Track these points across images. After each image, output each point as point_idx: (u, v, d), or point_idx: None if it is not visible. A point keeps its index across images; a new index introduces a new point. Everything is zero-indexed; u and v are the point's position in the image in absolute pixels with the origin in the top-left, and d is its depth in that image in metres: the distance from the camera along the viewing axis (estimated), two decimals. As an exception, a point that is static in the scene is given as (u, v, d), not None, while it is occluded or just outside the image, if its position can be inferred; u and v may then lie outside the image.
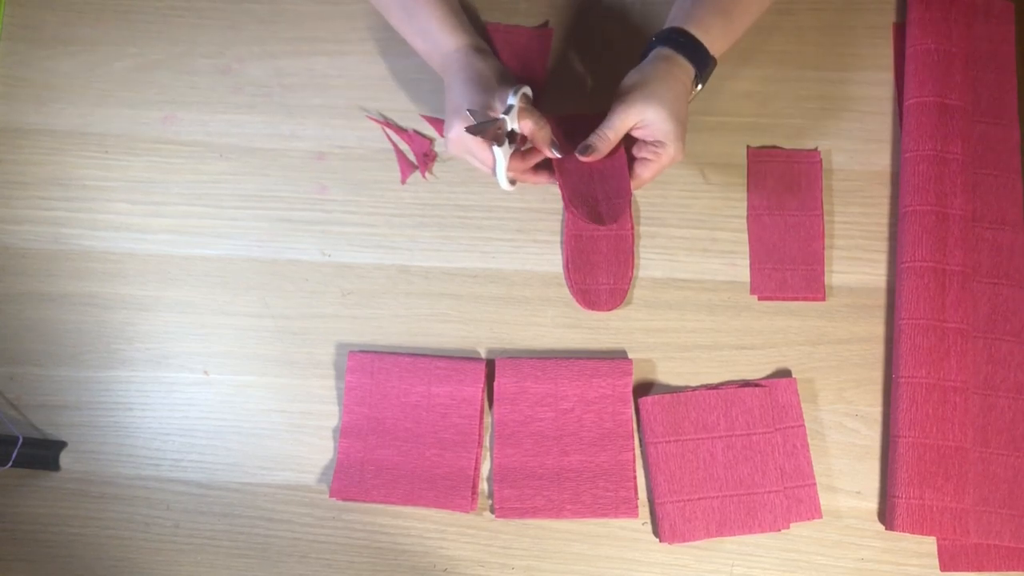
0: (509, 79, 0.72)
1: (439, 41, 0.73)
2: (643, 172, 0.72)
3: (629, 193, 0.72)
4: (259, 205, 0.80)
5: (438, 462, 0.74)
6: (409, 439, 0.75)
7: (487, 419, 0.76)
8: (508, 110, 0.68)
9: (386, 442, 0.75)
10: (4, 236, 0.80)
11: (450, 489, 0.73)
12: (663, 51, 0.71)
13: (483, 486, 0.75)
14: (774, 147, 0.79)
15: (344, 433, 0.75)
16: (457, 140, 0.69)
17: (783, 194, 0.78)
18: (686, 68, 0.71)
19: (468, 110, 0.68)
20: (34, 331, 0.78)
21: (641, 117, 0.69)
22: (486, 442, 0.75)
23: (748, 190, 0.79)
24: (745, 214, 0.79)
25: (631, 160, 0.73)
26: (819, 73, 0.81)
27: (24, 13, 0.84)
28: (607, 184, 0.73)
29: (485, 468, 0.75)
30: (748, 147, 0.79)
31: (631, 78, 0.71)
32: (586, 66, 0.82)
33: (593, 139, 0.71)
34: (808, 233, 0.78)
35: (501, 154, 0.69)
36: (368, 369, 0.76)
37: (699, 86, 0.73)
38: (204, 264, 0.79)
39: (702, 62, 0.72)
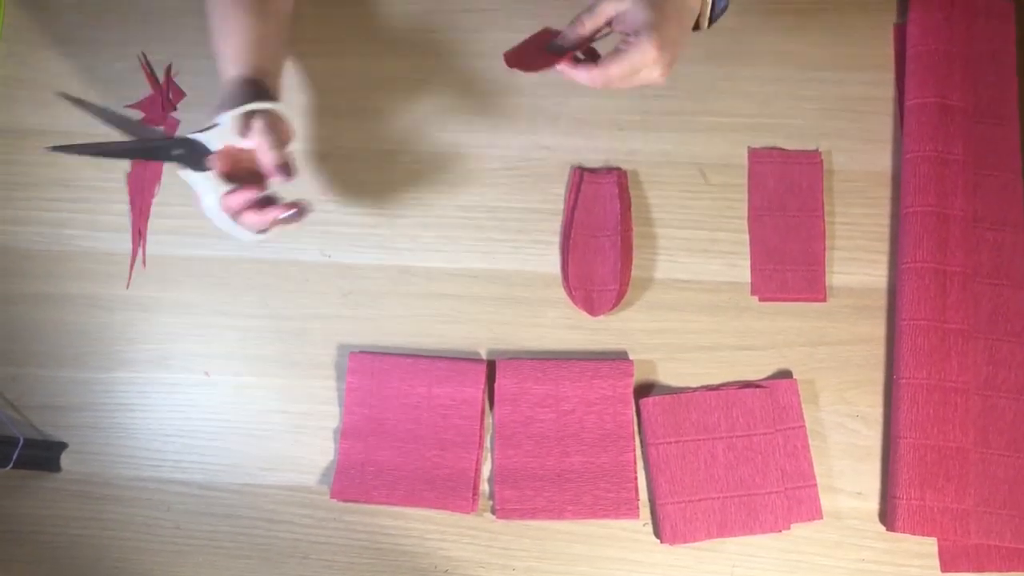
0: (262, 95, 0.66)
1: (226, 69, 0.69)
2: (609, 64, 0.63)
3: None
4: (259, 206, 0.80)
5: (439, 463, 0.74)
6: (410, 440, 0.75)
7: (488, 420, 0.76)
8: (207, 128, 0.61)
9: (387, 443, 0.75)
10: (5, 237, 0.80)
11: (451, 490, 0.73)
12: None
13: (484, 487, 0.75)
14: (774, 148, 0.79)
15: (345, 434, 0.75)
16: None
17: (784, 195, 0.78)
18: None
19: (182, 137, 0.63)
20: (35, 332, 0.78)
21: (621, 5, 0.63)
22: (487, 443, 0.75)
23: (749, 191, 0.79)
24: (745, 214, 0.79)
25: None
26: (819, 73, 0.81)
27: (24, 13, 0.84)
28: None
29: (486, 469, 0.75)
30: (749, 148, 0.79)
31: None
32: None
33: (567, 29, 0.65)
34: (809, 234, 0.78)
35: (199, 180, 0.62)
36: (369, 370, 0.76)
37: (706, 24, 0.67)
38: (204, 265, 0.79)
39: None
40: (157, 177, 0.80)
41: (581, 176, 0.78)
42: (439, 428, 0.75)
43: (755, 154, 0.79)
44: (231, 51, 0.68)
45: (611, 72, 0.63)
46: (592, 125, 0.80)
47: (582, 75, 0.65)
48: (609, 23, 0.65)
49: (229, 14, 0.69)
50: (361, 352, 0.76)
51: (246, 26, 0.69)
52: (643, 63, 0.62)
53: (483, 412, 0.75)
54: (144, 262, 0.79)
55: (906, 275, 0.75)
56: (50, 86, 0.82)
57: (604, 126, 0.80)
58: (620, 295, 0.76)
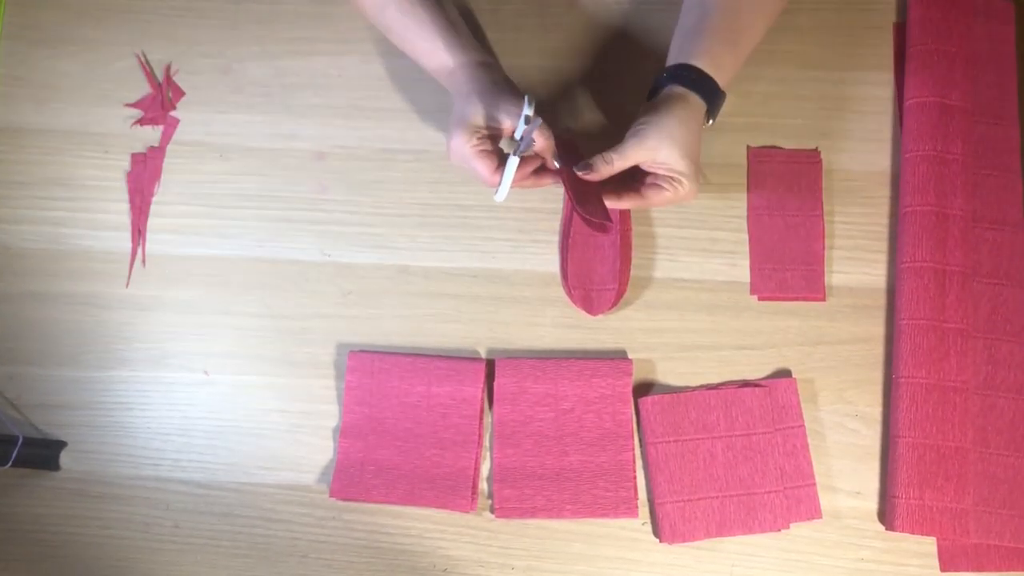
0: (514, 91, 0.72)
1: (444, 59, 0.73)
2: (653, 196, 0.71)
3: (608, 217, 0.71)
4: (259, 205, 0.80)
5: (438, 462, 0.74)
6: (409, 439, 0.75)
7: (487, 419, 0.76)
8: (527, 120, 0.68)
9: (386, 442, 0.75)
10: (4, 236, 0.80)
11: (450, 489, 0.73)
12: (676, 89, 0.70)
13: (483, 486, 0.75)
14: (774, 147, 0.79)
15: (344, 433, 0.75)
16: (457, 150, 0.70)
17: (783, 194, 0.78)
18: (699, 105, 0.71)
19: (471, 123, 0.69)
20: (34, 331, 0.78)
21: (653, 156, 0.69)
22: (486, 442, 0.75)
23: (748, 190, 0.79)
24: (745, 214, 0.79)
25: (641, 183, 0.72)
26: (819, 73, 0.81)
27: (24, 13, 0.84)
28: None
29: (485, 468, 0.75)
30: (748, 147, 0.79)
31: (647, 116, 0.70)
32: (587, 97, 0.82)
33: (597, 159, 0.69)
34: (808, 233, 0.78)
35: (514, 164, 0.69)
36: (368, 369, 0.76)
37: (710, 121, 0.73)
38: (204, 264, 0.79)
39: (713, 97, 0.71)
40: (156, 175, 0.80)
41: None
42: (438, 427, 0.75)
43: (755, 153, 0.79)
44: (441, 43, 0.73)
45: (653, 202, 0.72)
46: (592, 126, 0.80)
47: (626, 204, 0.73)
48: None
49: (422, 15, 0.74)
50: (360, 351, 0.76)
51: (444, 19, 0.74)
52: (682, 201, 0.72)
53: (482, 411, 0.75)
54: (144, 261, 0.79)
55: (905, 274, 0.75)
56: (50, 86, 0.83)
57: (604, 127, 0.80)
58: (619, 294, 0.76)
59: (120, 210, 0.80)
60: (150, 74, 0.82)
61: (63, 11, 0.84)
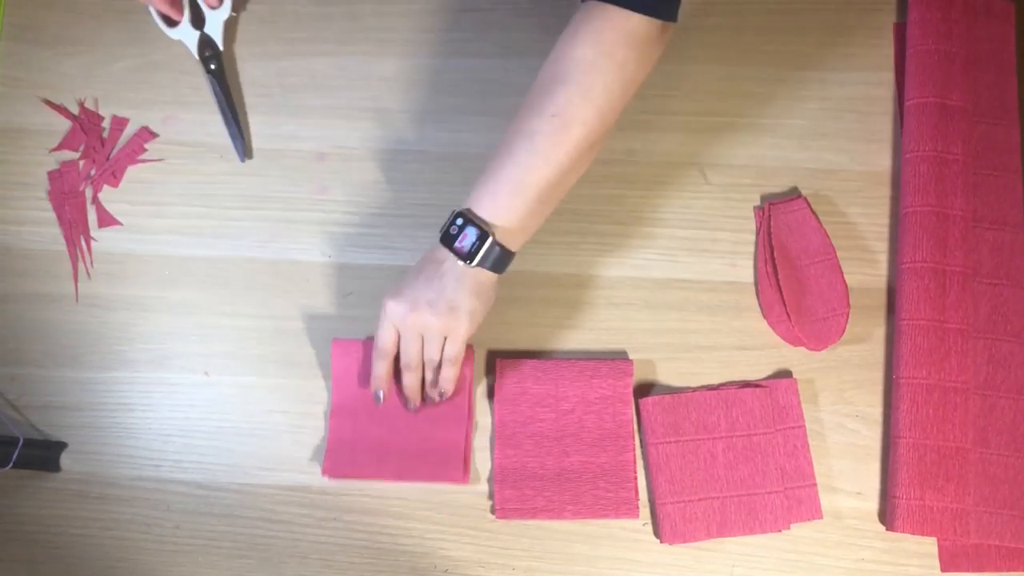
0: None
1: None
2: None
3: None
4: (259, 205, 0.80)
5: (429, 437, 0.74)
6: (400, 416, 0.75)
7: (476, 392, 0.76)
8: None
9: (376, 420, 0.75)
10: (5, 236, 0.80)
11: (442, 462, 0.73)
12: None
13: (484, 487, 0.75)
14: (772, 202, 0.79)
15: (334, 413, 0.75)
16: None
17: (788, 243, 0.78)
18: (435, 246, 0.69)
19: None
20: (35, 332, 0.78)
21: (382, 328, 0.70)
22: (487, 443, 0.75)
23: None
24: (745, 214, 0.79)
25: None
26: (819, 73, 0.81)
27: (24, 13, 0.84)
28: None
29: (486, 468, 0.75)
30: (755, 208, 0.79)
31: None
32: None
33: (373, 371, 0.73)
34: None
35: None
36: (355, 355, 0.76)
37: (438, 242, 0.69)
38: (204, 264, 0.79)
39: (448, 229, 0.68)
40: (75, 193, 0.80)
41: (769, 209, 0.78)
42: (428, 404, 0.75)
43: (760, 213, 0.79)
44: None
45: (378, 343, 0.71)
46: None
47: (447, 379, 0.72)
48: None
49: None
50: (344, 339, 0.76)
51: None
52: (390, 318, 0.69)
53: (471, 386, 0.75)
54: (88, 272, 0.79)
55: (906, 275, 0.75)
56: (50, 86, 0.82)
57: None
58: (847, 318, 0.76)
59: (120, 211, 0.80)
60: (65, 111, 0.82)
61: (63, 11, 0.84)
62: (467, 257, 0.67)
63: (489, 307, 0.71)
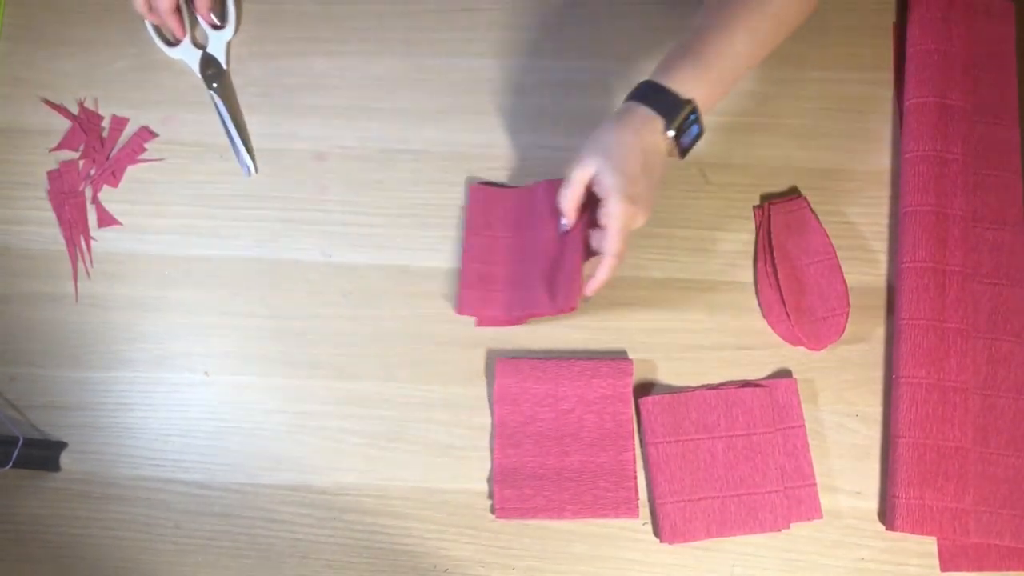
0: None
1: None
2: (607, 242, 0.67)
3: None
4: (259, 205, 0.80)
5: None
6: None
7: (488, 406, 0.76)
8: None
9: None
10: (5, 236, 0.80)
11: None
12: (624, 105, 0.68)
13: (484, 486, 0.75)
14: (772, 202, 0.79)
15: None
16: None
17: (788, 243, 0.78)
18: (646, 116, 0.67)
19: None
20: (35, 332, 0.78)
21: (588, 171, 0.67)
22: (486, 442, 0.75)
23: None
24: (745, 214, 0.79)
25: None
26: (819, 73, 0.81)
27: (24, 13, 0.84)
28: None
29: (485, 468, 0.75)
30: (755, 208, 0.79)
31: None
32: (588, 98, 0.82)
33: (560, 201, 0.70)
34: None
35: None
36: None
37: (671, 132, 0.67)
38: (204, 264, 0.79)
39: (670, 107, 0.67)
40: (75, 193, 0.80)
41: (768, 209, 0.78)
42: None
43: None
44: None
45: (615, 249, 0.67)
46: (593, 125, 0.80)
47: (604, 272, 0.69)
48: (589, 187, 0.69)
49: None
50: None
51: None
52: (625, 222, 0.67)
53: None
54: (88, 274, 0.79)
55: (905, 274, 0.75)
56: (50, 86, 0.82)
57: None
58: (847, 318, 0.76)
59: (120, 211, 0.80)
60: (65, 110, 0.82)
61: (63, 11, 0.84)
62: (684, 154, 0.69)
63: None
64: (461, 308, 0.76)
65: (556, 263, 0.73)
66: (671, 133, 0.67)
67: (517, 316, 0.76)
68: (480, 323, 0.77)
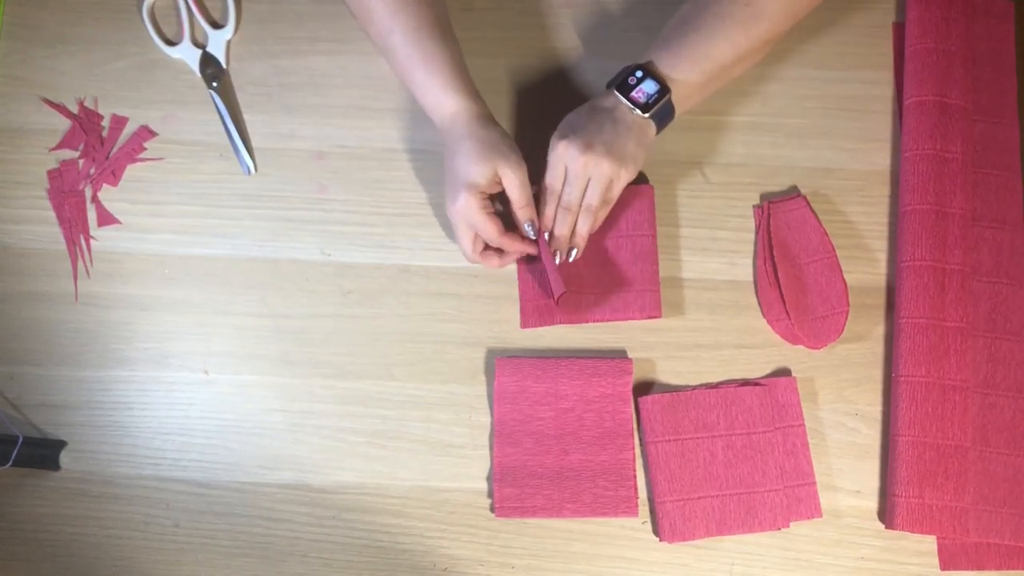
0: (513, 149, 0.71)
1: (446, 100, 0.72)
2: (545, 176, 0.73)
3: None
4: (258, 204, 0.80)
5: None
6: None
7: (488, 405, 0.76)
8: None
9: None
10: (5, 235, 0.80)
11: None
12: None
13: (483, 485, 0.75)
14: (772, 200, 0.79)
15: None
16: (463, 210, 0.70)
17: (788, 242, 0.78)
18: (602, 92, 0.73)
19: (481, 183, 0.70)
20: (34, 331, 0.78)
21: (554, 151, 0.71)
22: (486, 441, 0.75)
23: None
24: (744, 213, 0.79)
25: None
26: (819, 73, 0.81)
27: (24, 13, 0.84)
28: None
29: (485, 466, 0.75)
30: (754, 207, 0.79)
31: None
32: (587, 98, 0.82)
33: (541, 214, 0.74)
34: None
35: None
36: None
37: (613, 90, 0.72)
38: (204, 264, 0.79)
39: (618, 73, 0.72)
40: (75, 192, 0.80)
41: (768, 208, 0.78)
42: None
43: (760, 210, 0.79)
44: (439, 81, 0.72)
45: (548, 183, 0.72)
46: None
47: (582, 235, 0.73)
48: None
49: (431, 48, 0.72)
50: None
51: (454, 58, 0.73)
52: (561, 160, 0.71)
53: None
54: (88, 273, 0.79)
55: (905, 273, 0.75)
56: (50, 85, 0.82)
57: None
58: (846, 317, 0.76)
59: (119, 210, 0.80)
60: (64, 110, 0.82)
61: (63, 11, 0.84)
62: (644, 107, 0.71)
63: (640, 165, 0.73)
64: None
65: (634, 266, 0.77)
66: (613, 89, 0.72)
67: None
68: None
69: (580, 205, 0.72)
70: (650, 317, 0.76)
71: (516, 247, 0.72)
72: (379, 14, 0.72)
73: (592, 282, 0.77)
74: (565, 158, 0.70)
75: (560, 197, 0.72)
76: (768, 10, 0.71)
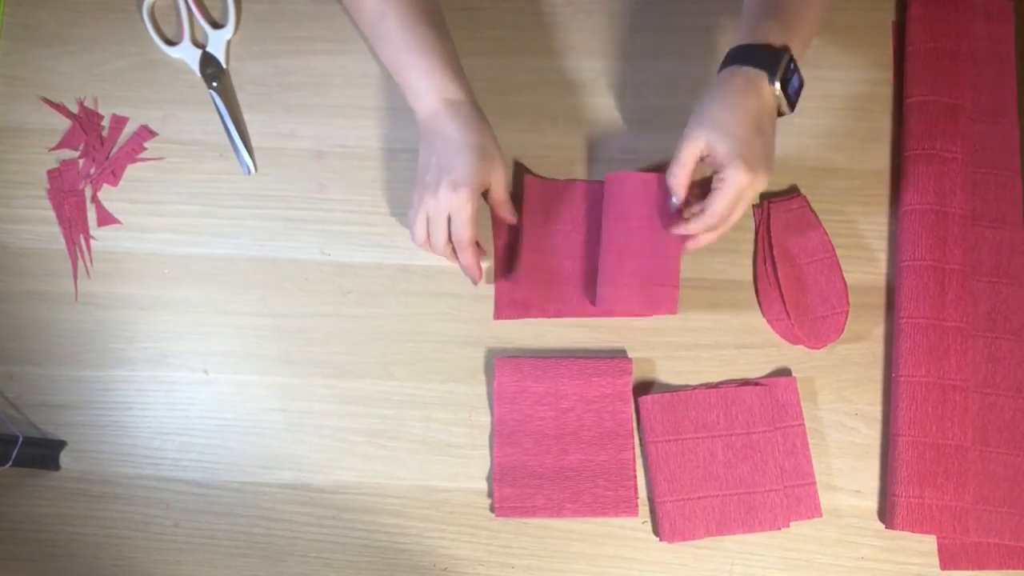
0: (497, 145, 0.71)
1: (439, 88, 0.70)
2: (712, 203, 0.66)
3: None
4: (258, 204, 0.80)
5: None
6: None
7: (488, 405, 0.76)
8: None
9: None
10: (5, 235, 0.80)
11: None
12: (721, 74, 0.67)
13: (483, 485, 0.75)
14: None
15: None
16: (458, 207, 0.68)
17: (788, 241, 0.78)
18: (749, 75, 0.66)
19: (478, 181, 0.69)
20: (34, 330, 0.78)
21: (698, 145, 0.66)
22: (486, 441, 0.75)
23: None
24: (744, 213, 0.78)
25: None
26: (819, 72, 0.81)
27: (24, 13, 0.84)
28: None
29: (485, 466, 0.75)
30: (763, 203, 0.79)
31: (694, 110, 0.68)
32: (587, 98, 0.82)
33: (669, 180, 0.68)
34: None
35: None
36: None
37: (776, 85, 0.66)
38: (204, 263, 0.79)
39: (768, 60, 0.66)
40: (75, 192, 0.80)
41: (768, 208, 0.78)
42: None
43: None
44: (440, 67, 0.70)
45: (718, 212, 0.66)
46: (592, 125, 0.80)
47: (705, 236, 0.70)
48: (701, 160, 0.67)
49: (425, 34, 0.70)
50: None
51: (447, 47, 0.71)
52: (740, 191, 0.65)
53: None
54: (88, 272, 0.79)
55: (905, 273, 0.75)
56: (50, 85, 0.82)
57: (604, 126, 0.80)
58: (846, 317, 0.76)
59: (119, 210, 0.80)
60: (64, 109, 0.81)
61: (63, 11, 0.84)
62: (793, 105, 0.68)
63: None
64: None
65: (652, 259, 0.73)
66: (777, 86, 0.66)
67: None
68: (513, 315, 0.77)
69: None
70: (667, 312, 0.74)
71: (471, 260, 0.72)
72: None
73: (614, 272, 0.75)
74: (741, 185, 0.65)
75: (715, 209, 0.67)
76: None
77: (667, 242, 0.73)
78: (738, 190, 0.65)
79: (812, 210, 0.78)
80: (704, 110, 0.66)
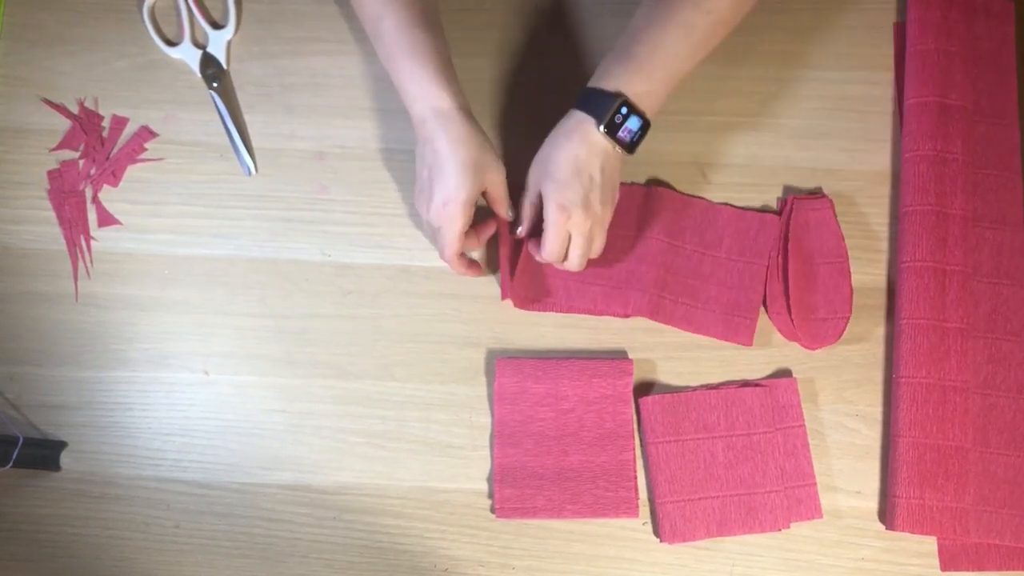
0: (493, 149, 0.71)
1: (431, 93, 0.70)
2: (543, 240, 0.69)
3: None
4: (258, 205, 0.80)
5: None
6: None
7: (488, 406, 0.76)
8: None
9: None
10: (5, 236, 0.80)
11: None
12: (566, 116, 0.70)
13: (484, 486, 0.75)
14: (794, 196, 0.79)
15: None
16: (452, 209, 0.68)
17: (804, 239, 0.78)
18: (579, 119, 0.68)
19: (473, 189, 0.69)
20: (34, 331, 0.78)
21: (532, 193, 0.71)
22: (486, 441, 0.75)
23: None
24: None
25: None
26: (819, 73, 0.81)
27: (24, 13, 0.84)
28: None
29: (485, 467, 0.75)
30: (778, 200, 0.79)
31: None
32: None
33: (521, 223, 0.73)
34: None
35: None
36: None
37: (601, 129, 0.67)
38: (204, 264, 0.79)
39: (598, 106, 0.67)
40: (75, 193, 0.80)
41: (792, 203, 0.78)
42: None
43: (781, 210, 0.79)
44: (431, 71, 0.70)
45: (547, 248, 0.69)
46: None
47: (569, 264, 0.72)
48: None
49: (421, 38, 0.70)
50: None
51: (442, 52, 0.71)
52: (559, 229, 0.68)
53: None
54: (88, 273, 0.79)
55: (905, 274, 0.75)
56: (50, 86, 0.82)
57: (604, 125, 0.80)
58: (846, 323, 0.76)
59: (119, 210, 0.80)
60: (65, 110, 0.81)
61: (63, 11, 0.84)
62: (630, 148, 0.69)
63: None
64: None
65: (737, 291, 0.76)
66: (602, 130, 0.68)
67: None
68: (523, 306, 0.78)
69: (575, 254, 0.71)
70: (741, 343, 0.76)
71: (460, 271, 0.73)
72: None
73: (684, 293, 0.77)
74: (557, 225, 0.68)
75: (547, 248, 0.70)
76: (727, 16, 0.69)
77: (753, 275, 0.75)
78: (556, 228, 0.68)
79: (835, 215, 0.77)
80: (540, 153, 0.70)
